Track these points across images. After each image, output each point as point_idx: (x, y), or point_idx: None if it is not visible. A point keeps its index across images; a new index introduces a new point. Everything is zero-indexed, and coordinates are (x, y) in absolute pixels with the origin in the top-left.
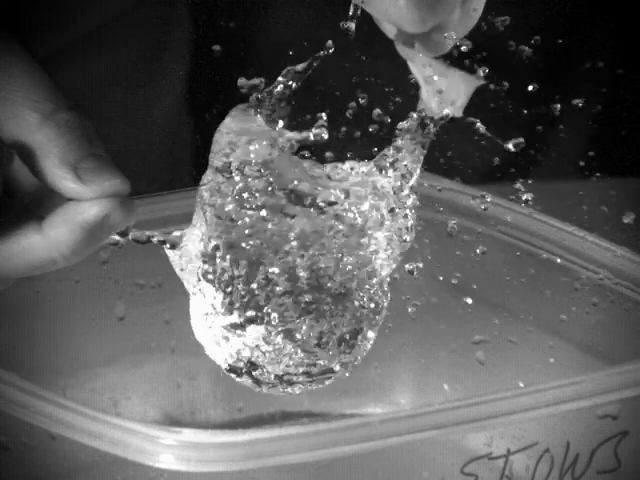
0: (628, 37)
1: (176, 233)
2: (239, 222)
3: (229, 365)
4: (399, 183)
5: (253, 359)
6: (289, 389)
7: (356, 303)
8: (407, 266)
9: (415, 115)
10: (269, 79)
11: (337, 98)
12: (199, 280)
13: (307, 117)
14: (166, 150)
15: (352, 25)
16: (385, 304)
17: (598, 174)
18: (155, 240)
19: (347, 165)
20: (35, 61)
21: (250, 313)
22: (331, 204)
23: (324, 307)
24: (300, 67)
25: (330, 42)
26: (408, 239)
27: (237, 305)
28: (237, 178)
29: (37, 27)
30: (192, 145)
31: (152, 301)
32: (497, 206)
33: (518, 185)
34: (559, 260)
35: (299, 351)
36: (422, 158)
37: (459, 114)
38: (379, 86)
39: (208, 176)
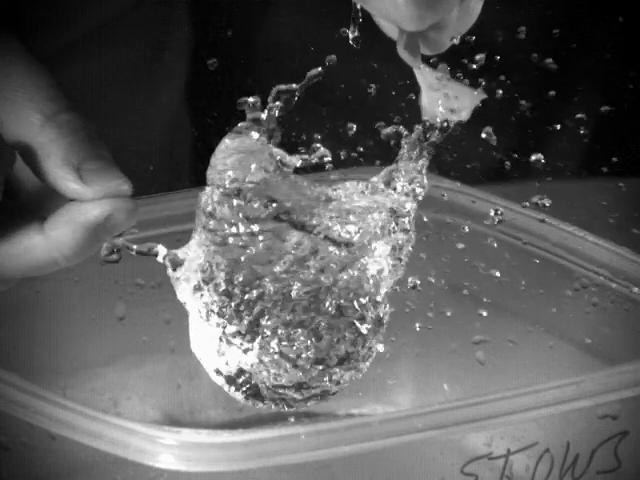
0: (628, 37)
1: (176, 251)
2: (237, 243)
3: (225, 379)
4: (402, 198)
5: (249, 376)
6: (283, 406)
7: (355, 322)
8: (409, 280)
9: (420, 128)
10: (269, 82)
11: (342, 104)
12: (197, 294)
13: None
14: (166, 150)
15: (355, 31)
16: (385, 321)
17: (598, 174)
18: (156, 253)
19: (348, 184)
20: (37, 62)
21: (247, 330)
22: (329, 225)
23: (322, 325)
24: (290, 86)
25: (320, 68)
26: (407, 254)
27: (234, 321)
28: (235, 201)
29: (37, 27)
30: (192, 145)
31: (152, 301)
32: (497, 206)
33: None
34: (559, 260)
35: (295, 369)
36: (425, 172)
37: (464, 119)
38: (384, 92)
39: (206, 195)
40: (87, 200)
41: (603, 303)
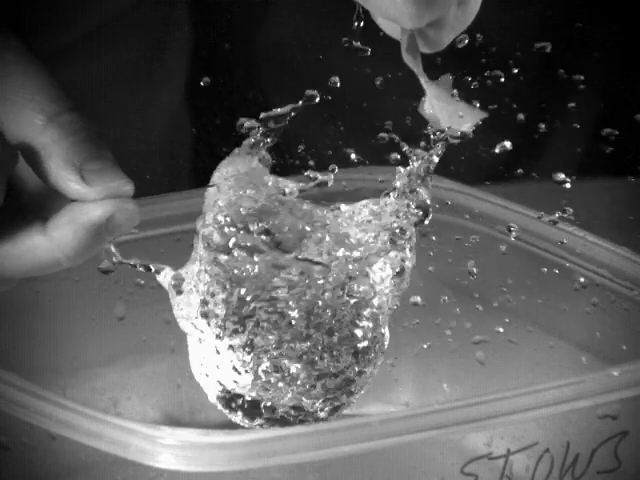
0: (628, 37)
1: (176, 272)
2: (232, 268)
3: (220, 399)
4: (404, 222)
5: (245, 395)
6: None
7: (353, 345)
8: (411, 299)
9: (421, 161)
10: (269, 82)
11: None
12: (196, 318)
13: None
14: (166, 150)
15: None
16: (385, 345)
17: (598, 174)
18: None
19: (348, 207)
20: (39, 62)
21: (245, 354)
22: (325, 250)
23: (318, 348)
24: (284, 109)
25: (315, 92)
26: (407, 277)
27: (231, 343)
28: (232, 229)
29: (37, 27)
30: (192, 145)
31: (152, 301)
32: (497, 206)
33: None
34: (559, 260)
35: (291, 390)
36: (429, 199)
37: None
38: (386, 92)
39: (203, 219)
40: (89, 200)
41: (603, 303)
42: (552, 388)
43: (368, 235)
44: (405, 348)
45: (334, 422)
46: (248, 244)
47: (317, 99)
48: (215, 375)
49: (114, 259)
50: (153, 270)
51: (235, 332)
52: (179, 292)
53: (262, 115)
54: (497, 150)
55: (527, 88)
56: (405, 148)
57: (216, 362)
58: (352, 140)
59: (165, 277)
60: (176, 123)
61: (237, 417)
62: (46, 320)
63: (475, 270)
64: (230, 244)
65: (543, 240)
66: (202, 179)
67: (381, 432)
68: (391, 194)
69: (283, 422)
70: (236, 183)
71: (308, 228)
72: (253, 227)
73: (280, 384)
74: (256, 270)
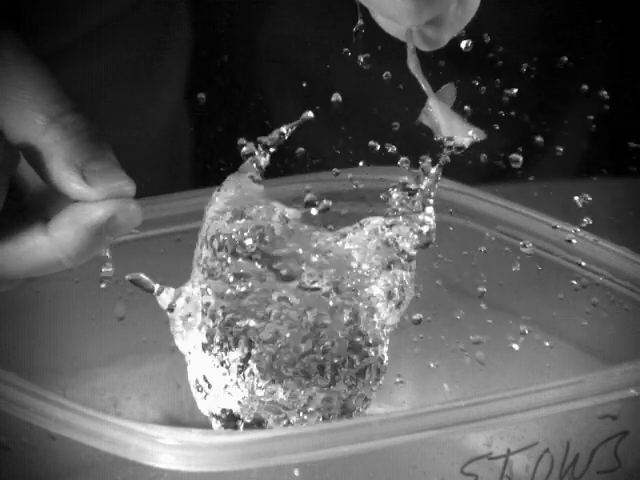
0: (628, 37)
1: (175, 290)
2: (227, 291)
3: (217, 418)
4: (406, 246)
5: (243, 417)
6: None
7: (352, 367)
8: (414, 317)
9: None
10: (270, 82)
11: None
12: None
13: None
14: (166, 150)
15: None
16: (384, 368)
17: (598, 174)
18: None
19: (348, 228)
20: (41, 62)
21: (241, 372)
22: (322, 274)
23: (316, 370)
24: (278, 131)
25: (310, 113)
26: (407, 298)
27: (228, 364)
28: (230, 258)
29: (37, 27)
30: (192, 145)
31: (152, 301)
32: (497, 206)
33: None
34: (559, 260)
35: (287, 412)
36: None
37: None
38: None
39: (201, 241)
40: (91, 201)
41: (603, 303)
42: (552, 388)
43: (368, 257)
44: (405, 348)
45: (334, 422)
46: (244, 269)
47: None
48: (211, 394)
49: (110, 269)
50: (155, 290)
51: (231, 352)
52: (178, 314)
53: (261, 140)
54: (513, 164)
55: (527, 88)
56: (405, 164)
57: (212, 382)
58: (352, 140)
59: (163, 295)
60: (176, 123)
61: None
62: (46, 320)
63: (475, 270)
64: (226, 269)
65: (543, 240)
66: (202, 179)
67: (381, 432)
68: (391, 214)
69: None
70: (232, 207)
71: (305, 251)
72: (249, 251)
73: (277, 406)
74: (252, 295)
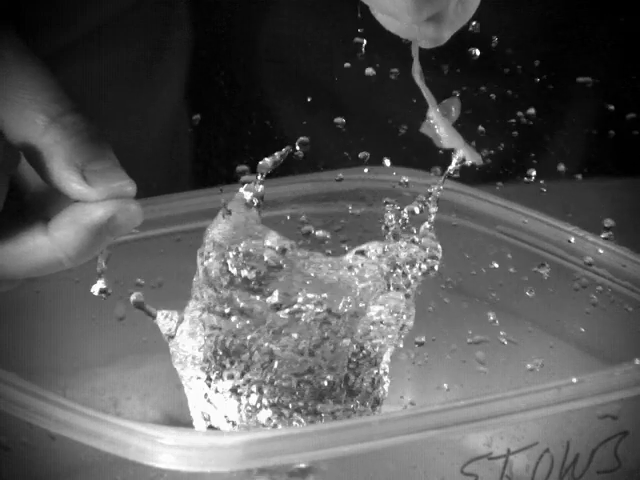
0: (628, 37)
1: (176, 317)
2: (230, 324)
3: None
4: (411, 269)
5: None
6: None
7: (351, 389)
8: (416, 339)
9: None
10: (270, 82)
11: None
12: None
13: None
14: (166, 150)
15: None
16: (385, 394)
17: (597, 174)
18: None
19: (347, 258)
20: (41, 63)
21: (238, 396)
22: (320, 299)
23: (315, 392)
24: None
25: (305, 139)
26: (408, 321)
27: (225, 388)
28: (229, 288)
29: (37, 27)
30: (192, 145)
31: (152, 301)
32: (497, 206)
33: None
34: (559, 260)
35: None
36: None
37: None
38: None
39: (199, 271)
40: (91, 201)
41: (603, 303)
42: (552, 388)
43: (368, 284)
44: (405, 348)
45: (334, 422)
46: (243, 299)
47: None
48: (212, 421)
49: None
50: (155, 318)
51: (230, 377)
52: (177, 341)
53: (260, 164)
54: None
55: (527, 88)
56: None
57: (209, 405)
58: (352, 140)
59: (163, 319)
60: (176, 123)
61: None
62: (46, 320)
63: (475, 270)
64: (225, 299)
65: (543, 240)
66: (202, 179)
67: (381, 432)
68: (392, 238)
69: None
70: (230, 236)
71: (303, 280)
72: (247, 280)
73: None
74: (250, 324)
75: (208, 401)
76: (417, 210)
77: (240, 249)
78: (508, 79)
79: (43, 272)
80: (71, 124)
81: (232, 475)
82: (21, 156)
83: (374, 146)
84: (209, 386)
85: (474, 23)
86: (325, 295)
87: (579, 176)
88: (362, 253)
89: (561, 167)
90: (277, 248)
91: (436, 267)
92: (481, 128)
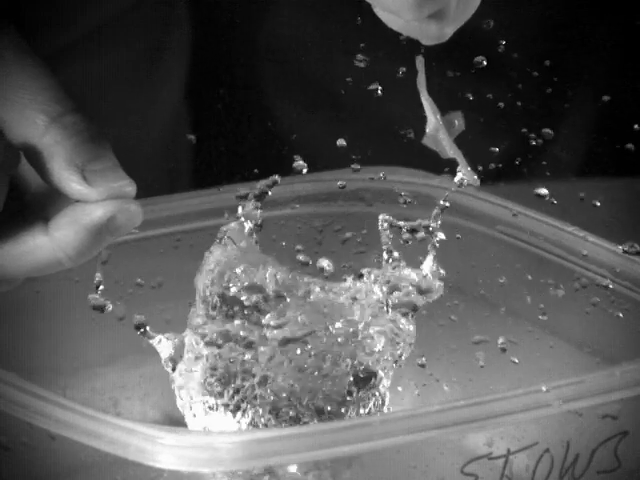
0: (628, 37)
1: (175, 340)
2: (228, 352)
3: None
4: (412, 297)
5: None
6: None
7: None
8: (418, 361)
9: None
10: (270, 82)
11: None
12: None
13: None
14: (166, 150)
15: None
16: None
17: (598, 174)
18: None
19: (348, 282)
20: (42, 63)
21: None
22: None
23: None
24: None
25: (301, 162)
26: (407, 346)
27: (229, 418)
28: (224, 319)
29: (37, 27)
30: (192, 145)
31: (152, 301)
32: (497, 206)
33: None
34: (559, 260)
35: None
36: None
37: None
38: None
39: (196, 303)
40: (91, 201)
41: (603, 303)
42: (552, 388)
43: (367, 311)
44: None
45: (334, 422)
46: (241, 329)
47: (305, 170)
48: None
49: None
50: (157, 341)
51: (227, 406)
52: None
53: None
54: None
55: (527, 88)
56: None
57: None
58: (353, 140)
59: (162, 345)
60: (176, 123)
61: None
62: (46, 320)
63: (475, 270)
64: (222, 328)
65: (543, 240)
66: (202, 179)
67: (381, 432)
68: (390, 267)
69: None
70: (227, 265)
71: (300, 306)
72: (245, 306)
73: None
74: (248, 352)
75: (207, 426)
76: (421, 233)
77: (238, 277)
78: (508, 79)
79: (43, 272)
80: (71, 124)
81: (232, 475)
82: (21, 156)
83: (374, 146)
84: (208, 411)
85: (487, 21)
86: (325, 321)
87: (579, 176)
88: (361, 278)
89: (561, 167)
90: (276, 276)
91: (438, 295)
92: (481, 128)
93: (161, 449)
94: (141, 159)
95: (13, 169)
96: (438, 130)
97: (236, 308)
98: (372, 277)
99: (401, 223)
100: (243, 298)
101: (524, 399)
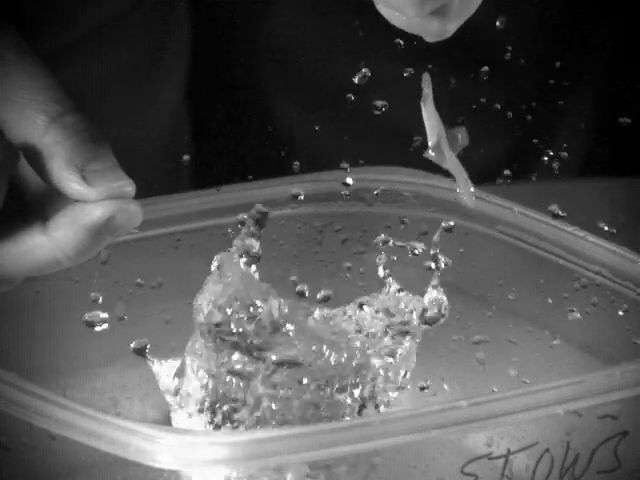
0: (628, 37)
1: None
2: (227, 382)
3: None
4: (413, 320)
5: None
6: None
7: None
8: (420, 383)
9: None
10: (270, 82)
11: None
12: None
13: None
14: (166, 150)
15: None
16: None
17: (598, 174)
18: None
19: (349, 309)
20: (42, 63)
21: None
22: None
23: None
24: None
25: (298, 191)
26: (409, 368)
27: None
28: (223, 349)
29: (37, 27)
30: (192, 145)
31: (152, 301)
32: (497, 206)
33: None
34: (559, 260)
35: None
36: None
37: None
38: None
39: (196, 330)
40: (91, 201)
41: (603, 303)
42: (552, 388)
43: (368, 339)
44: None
45: (334, 422)
46: (240, 363)
47: (302, 197)
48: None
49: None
50: (155, 365)
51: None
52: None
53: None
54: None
55: (527, 88)
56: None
57: None
58: (353, 140)
59: (162, 370)
60: (176, 123)
61: None
62: (46, 320)
63: (475, 270)
64: (221, 360)
65: (543, 240)
66: (202, 179)
67: (381, 432)
68: (392, 289)
69: None
70: (225, 295)
71: (301, 337)
72: (244, 335)
73: None
74: (247, 379)
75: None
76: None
77: (237, 307)
78: (508, 79)
79: (42, 272)
80: (71, 124)
81: (232, 475)
82: (21, 156)
83: (374, 146)
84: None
85: (500, 19)
86: (326, 349)
87: (579, 176)
88: (362, 306)
89: (561, 167)
90: (275, 305)
91: (441, 321)
92: (481, 128)
93: (161, 449)
94: (141, 159)
95: (13, 169)
96: (441, 145)
97: (234, 337)
98: (374, 305)
99: (399, 243)
100: (241, 328)
101: (524, 399)
